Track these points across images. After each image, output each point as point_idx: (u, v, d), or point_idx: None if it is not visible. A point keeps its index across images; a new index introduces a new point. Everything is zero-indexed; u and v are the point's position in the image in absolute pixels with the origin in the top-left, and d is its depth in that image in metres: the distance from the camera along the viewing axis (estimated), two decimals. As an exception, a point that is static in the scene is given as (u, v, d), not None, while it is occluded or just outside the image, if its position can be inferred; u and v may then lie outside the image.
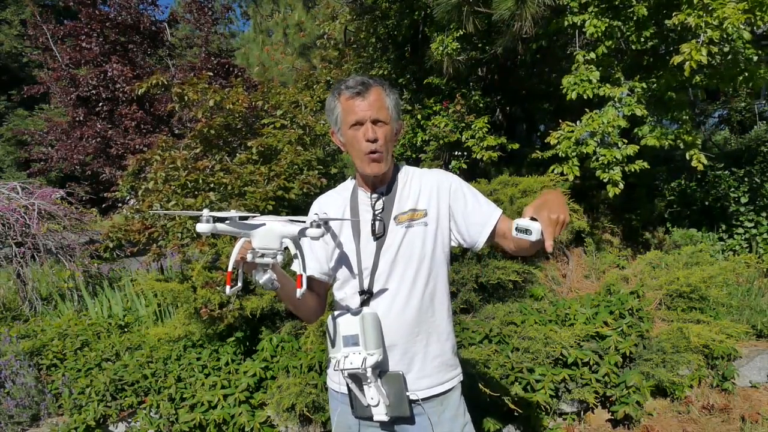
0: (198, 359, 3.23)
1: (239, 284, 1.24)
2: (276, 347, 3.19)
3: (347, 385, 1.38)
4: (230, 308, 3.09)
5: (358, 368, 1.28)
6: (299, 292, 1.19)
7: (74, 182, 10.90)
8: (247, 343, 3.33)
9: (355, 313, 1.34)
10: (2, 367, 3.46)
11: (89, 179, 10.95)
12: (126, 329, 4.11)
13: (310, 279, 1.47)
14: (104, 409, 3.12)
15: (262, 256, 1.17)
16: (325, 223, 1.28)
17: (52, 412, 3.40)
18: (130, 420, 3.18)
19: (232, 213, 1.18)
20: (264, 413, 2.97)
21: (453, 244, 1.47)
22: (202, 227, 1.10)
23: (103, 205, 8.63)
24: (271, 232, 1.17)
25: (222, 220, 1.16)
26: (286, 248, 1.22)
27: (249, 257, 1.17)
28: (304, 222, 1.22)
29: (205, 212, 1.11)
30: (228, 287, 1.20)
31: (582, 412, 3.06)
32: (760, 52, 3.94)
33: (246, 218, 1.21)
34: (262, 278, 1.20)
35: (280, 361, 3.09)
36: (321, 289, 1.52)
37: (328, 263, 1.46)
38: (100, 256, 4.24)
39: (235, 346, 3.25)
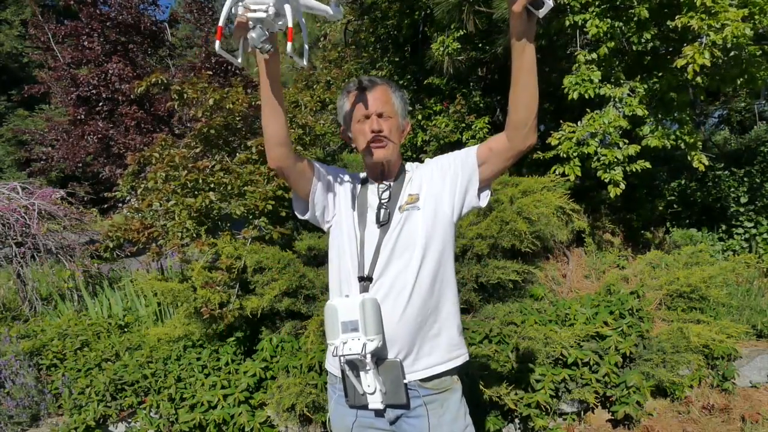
0: (198, 359, 3.22)
1: (239, 60, 1.20)
2: (276, 347, 3.18)
3: (342, 372, 1.38)
4: (230, 308, 3.09)
5: (358, 354, 1.27)
6: (289, 46, 1.13)
7: (75, 182, 10.90)
8: (247, 343, 3.33)
9: (355, 298, 1.34)
10: (2, 367, 3.46)
11: (90, 179, 10.95)
12: (126, 329, 4.11)
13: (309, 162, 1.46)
14: (104, 409, 3.12)
15: (255, 11, 1.10)
16: (336, 5, 1.23)
17: (52, 412, 3.39)
18: (130, 420, 3.18)
19: None
20: (264, 413, 2.97)
21: (465, 209, 1.46)
22: None
23: (105, 206, 8.63)
24: None
25: None
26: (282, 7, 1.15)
27: (240, 10, 1.12)
28: None
29: None
30: (218, 43, 1.15)
31: (582, 412, 3.06)
32: (764, 47, 3.94)
33: None
34: (254, 33, 1.12)
35: (280, 361, 3.09)
36: (303, 164, 1.45)
37: (325, 202, 1.48)
38: (100, 256, 4.24)
39: (235, 346, 3.25)
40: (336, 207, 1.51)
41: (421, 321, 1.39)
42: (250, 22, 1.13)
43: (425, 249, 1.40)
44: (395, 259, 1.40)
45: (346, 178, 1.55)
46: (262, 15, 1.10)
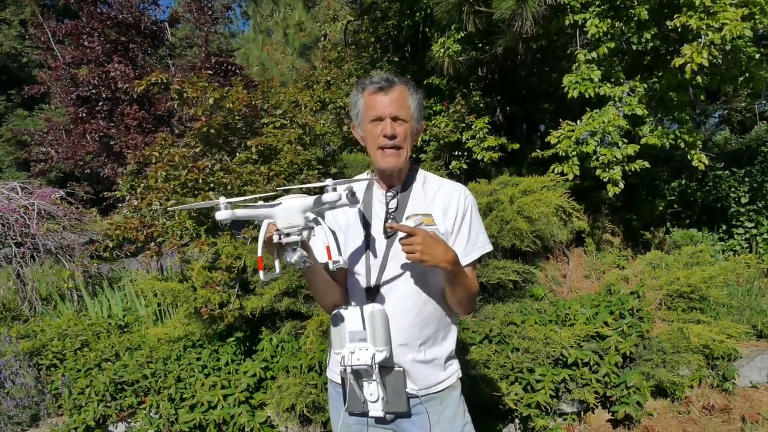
0: (198, 359, 3.22)
1: (278, 271, 1.23)
2: (276, 347, 3.18)
3: (342, 380, 1.38)
4: (230, 308, 3.09)
5: (366, 364, 1.27)
6: (331, 263, 1.19)
7: (75, 182, 10.89)
8: (247, 343, 3.33)
9: (363, 309, 1.33)
10: (2, 367, 3.46)
11: (90, 179, 10.94)
12: (126, 329, 4.11)
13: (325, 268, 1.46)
14: (104, 409, 3.12)
15: (288, 235, 1.15)
16: (351, 194, 1.27)
17: (52, 412, 3.39)
18: (130, 420, 3.17)
19: (249, 197, 1.20)
20: (264, 413, 2.97)
21: None
22: (221, 215, 1.09)
23: (104, 205, 8.61)
24: (291, 208, 1.15)
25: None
26: (315, 218, 1.21)
27: (275, 238, 1.15)
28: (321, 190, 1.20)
29: (222, 200, 1.10)
30: (261, 273, 1.19)
31: (582, 413, 3.06)
32: (762, 49, 3.95)
33: (264, 200, 1.21)
34: (293, 257, 1.17)
35: (280, 361, 3.09)
36: (340, 276, 1.47)
37: (341, 250, 1.46)
38: (100, 256, 4.23)
39: (235, 346, 3.25)
40: (346, 238, 1.47)
41: (426, 330, 1.40)
42: (289, 246, 1.17)
43: (434, 269, 1.37)
44: (403, 271, 1.38)
45: (342, 214, 1.46)
46: (297, 238, 1.15)
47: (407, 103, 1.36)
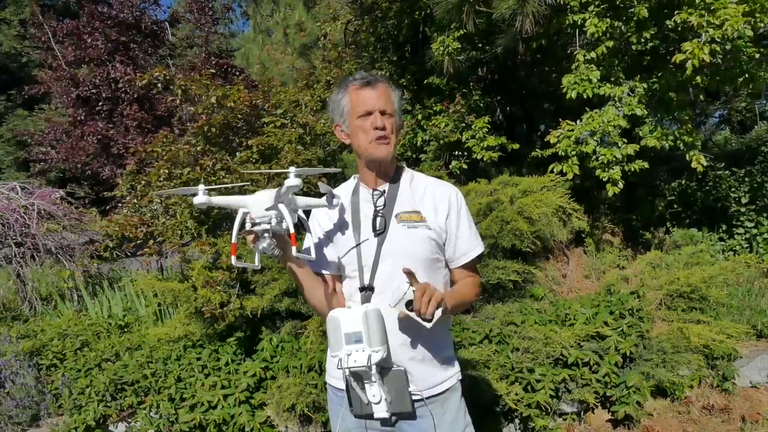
0: (198, 359, 3.22)
1: (256, 262, 1.34)
2: (276, 347, 3.18)
3: (346, 383, 1.38)
4: (231, 308, 3.09)
5: (363, 366, 1.26)
6: (293, 250, 1.27)
7: (74, 183, 10.89)
8: (247, 343, 3.33)
9: (357, 309, 1.32)
10: (2, 367, 3.47)
11: (89, 179, 10.93)
12: (126, 329, 4.11)
13: (321, 276, 1.51)
14: (104, 409, 3.12)
15: (259, 223, 1.26)
16: (331, 196, 1.35)
17: (52, 412, 3.39)
18: (130, 420, 3.18)
19: (227, 185, 1.36)
20: (264, 413, 2.97)
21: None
22: (198, 199, 1.21)
23: (107, 208, 8.60)
24: (262, 200, 1.25)
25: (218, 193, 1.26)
26: (279, 207, 1.30)
27: (247, 225, 1.27)
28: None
29: (201, 187, 1.21)
30: (233, 258, 1.30)
31: (582, 412, 3.06)
32: (762, 50, 3.95)
33: (239, 189, 1.34)
34: (263, 244, 1.27)
35: (280, 361, 3.09)
36: (335, 281, 1.50)
37: (330, 256, 1.48)
38: (100, 256, 4.24)
39: (235, 346, 3.25)
40: (335, 243, 1.49)
41: (419, 335, 1.40)
42: (259, 233, 1.28)
43: (427, 266, 1.41)
44: (397, 268, 1.36)
45: (329, 220, 1.49)
46: (267, 226, 1.26)
47: (391, 98, 1.42)
